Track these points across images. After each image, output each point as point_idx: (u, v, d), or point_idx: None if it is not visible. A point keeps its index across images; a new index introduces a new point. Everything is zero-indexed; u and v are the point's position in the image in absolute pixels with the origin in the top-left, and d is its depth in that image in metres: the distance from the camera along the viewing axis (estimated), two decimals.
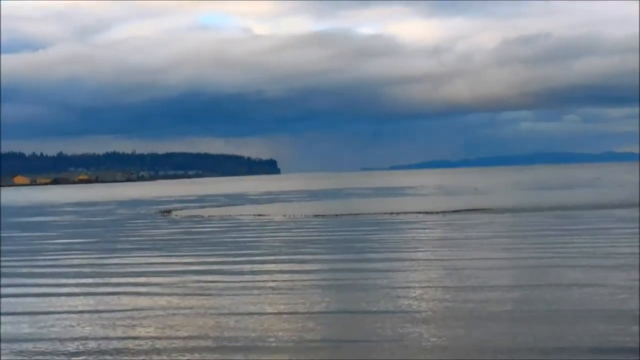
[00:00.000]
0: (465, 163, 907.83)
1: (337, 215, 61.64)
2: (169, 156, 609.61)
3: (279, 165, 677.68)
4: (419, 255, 32.27)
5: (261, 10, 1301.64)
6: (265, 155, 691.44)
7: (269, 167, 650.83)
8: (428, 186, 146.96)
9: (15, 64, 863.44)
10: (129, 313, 20.50)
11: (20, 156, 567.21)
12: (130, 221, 65.43)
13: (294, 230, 48.63)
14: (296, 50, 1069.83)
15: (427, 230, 45.24)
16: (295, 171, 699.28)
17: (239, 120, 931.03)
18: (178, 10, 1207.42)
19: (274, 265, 30.54)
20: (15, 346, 16.98)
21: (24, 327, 19.12)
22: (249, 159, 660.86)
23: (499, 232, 41.98)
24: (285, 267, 29.89)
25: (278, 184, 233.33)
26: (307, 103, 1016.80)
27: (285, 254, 34.43)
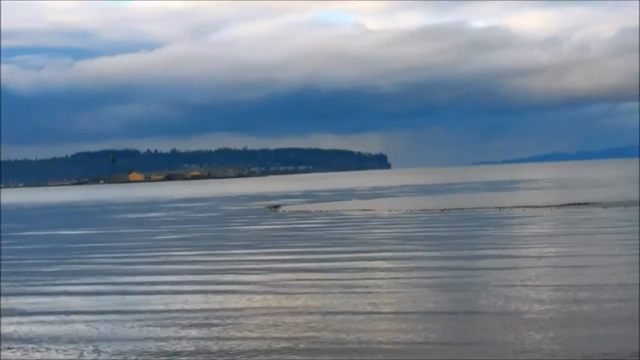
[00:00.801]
0: (584, 155, 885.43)
1: (443, 210, 61.10)
2: (280, 152, 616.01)
3: (390, 160, 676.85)
4: (526, 251, 31.56)
5: (373, 6, 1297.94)
6: (376, 151, 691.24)
7: (379, 162, 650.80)
8: (540, 179, 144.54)
9: (131, 63, 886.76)
10: (233, 312, 20.44)
11: (135, 153, 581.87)
12: (239, 217, 66.17)
13: (399, 226, 48.35)
14: (410, 45, 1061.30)
15: (533, 226, 44.36)
16: (406, 166, 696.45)
17: (352, 115, 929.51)
18: (294, 9, 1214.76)
19: (379, 262, 30.30)
20: (118, 344, 17.20)
21: (128, 325, 19.32)
22: (359, 154, 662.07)
23: (607, 227, 40.81)
24: (390, 264, 29.59)
25: (387, 179, 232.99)
26: (421, 97, 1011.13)
27: (391, 250, 34.14)
